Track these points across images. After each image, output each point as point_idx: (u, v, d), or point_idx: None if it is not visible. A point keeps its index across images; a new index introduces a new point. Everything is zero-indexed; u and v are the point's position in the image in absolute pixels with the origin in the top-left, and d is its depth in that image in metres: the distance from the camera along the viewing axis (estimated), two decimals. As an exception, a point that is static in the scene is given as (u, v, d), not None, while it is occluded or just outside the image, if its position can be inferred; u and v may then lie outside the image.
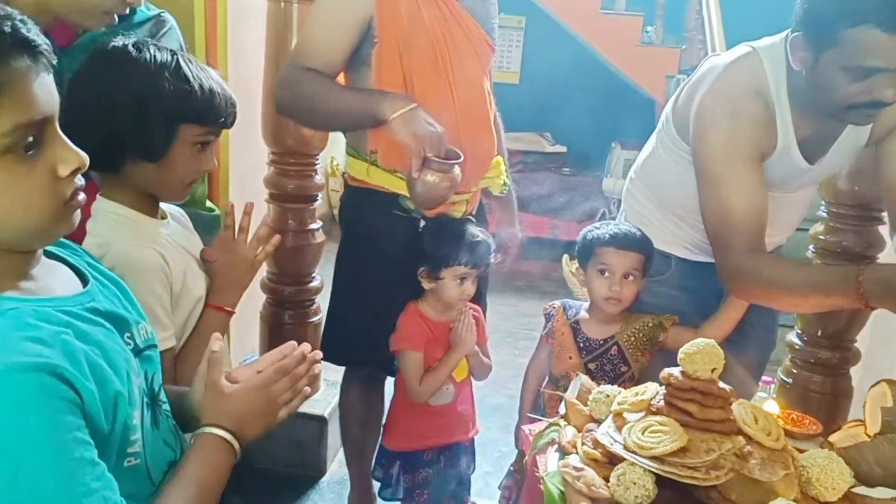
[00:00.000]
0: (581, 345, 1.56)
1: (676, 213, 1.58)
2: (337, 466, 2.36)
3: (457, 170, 1.46)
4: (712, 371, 1.00)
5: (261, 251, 1.26)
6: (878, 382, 1.15)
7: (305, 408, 1.02)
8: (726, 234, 1.35)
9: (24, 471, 0.63)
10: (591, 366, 1.54)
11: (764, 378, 1.78)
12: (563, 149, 5.46)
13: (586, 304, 1.62)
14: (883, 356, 2.05)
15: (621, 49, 4.44)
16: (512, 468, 1.71)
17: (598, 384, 1.21)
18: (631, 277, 1.50)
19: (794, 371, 1.94)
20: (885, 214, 1.73)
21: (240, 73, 2.23)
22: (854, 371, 1.92)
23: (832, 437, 1.16)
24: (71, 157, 0.73)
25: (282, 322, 2.18)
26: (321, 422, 2.26)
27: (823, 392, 1.88)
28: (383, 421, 1.86)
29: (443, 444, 1.77)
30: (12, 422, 0.63)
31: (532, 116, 5.03)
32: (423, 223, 1.60)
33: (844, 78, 1.23)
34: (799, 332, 1.93)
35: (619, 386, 1.17)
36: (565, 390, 1.29)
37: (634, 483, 0.94)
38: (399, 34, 1.52)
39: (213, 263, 1.20)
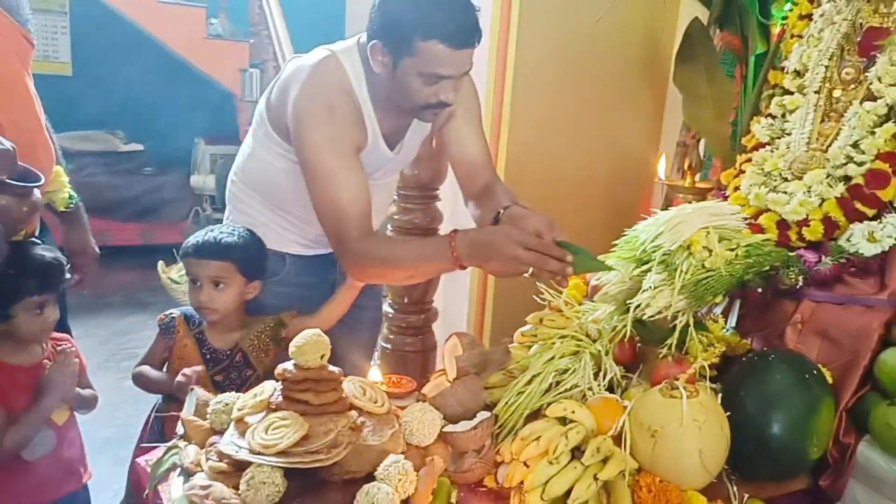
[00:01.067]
0: (207, 356, 1.52)
1: (287, 211, 1.62)
2: None
3: (37, 192, 1.26)
4: (321, 357, 1.07)
5: None
6: (450, 336, 1.38)
7: None
8: (340, 225, 1.43)
9: None
10: (218, 378, 1.51)
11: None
12: (140, 147, 5.08)
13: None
14: (455, 313, 2.45)
15: (188, 41, 4.30)
16: None
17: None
18: (222, 285, 1.50)
19: (391, 337, 2.18)
20: (439, 192, 2.07)
21: None
22: (435, 327, 2.26)
23: (425, 389, 1.35)
24: None
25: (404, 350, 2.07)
26: None
27: (416, 350, 2.16)
28: None
29: (50, 500, 1.53)
30: None
31: (97, 113, 4.56)
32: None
33: (419, 82, 1.39)
34: (390, 301, 2.18)
35: (244, 391, 1.17)
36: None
37: (264, 483, 0.96)
38: None
39: None
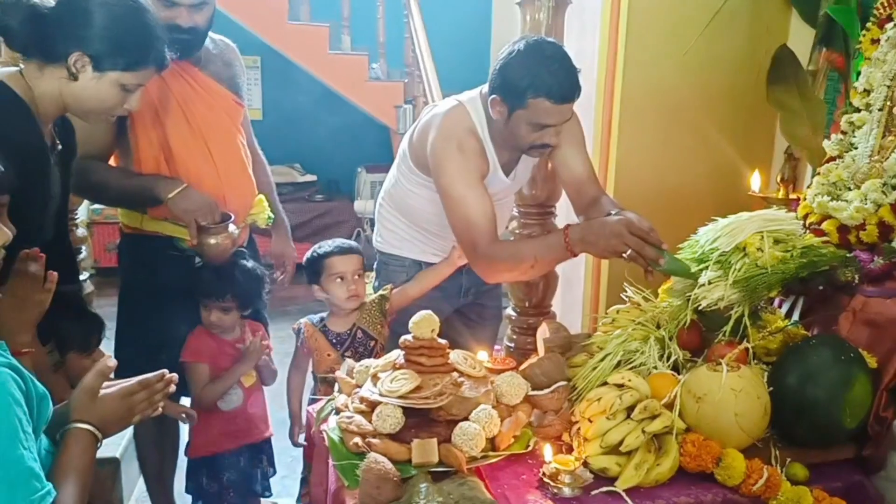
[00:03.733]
0: (333, 341, 1.92)
1: (424, 228, 1.99)
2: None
3: (231, 227, 1.78)
4: (432, 331, 1.44)
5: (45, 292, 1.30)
6: (542, 322, 1.70)
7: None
8: (472, 236, 1.73)
9: None
10: (348, 354, 1.89)
11: (495, 348, 2.32)
12: (314, 178, 5.87)
13: (324, 313, 1.98)
14: (571, 317, 2.72)
15: (352, 84, 4.92)
16: (303, 475, 1.98)
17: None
18: (357, 276, 1.91)
19: (514, 337, 2.50)
20: (555, 208, 2.38)
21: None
22: (552, 328, 2.55)
23: (521, 368, 1.68)
24: (3, 233, 0.99)
25: (525, 348, 2.22)
26: (114, 463, 2.34)
27: (535, 348, 2.46)
28: (179, 443, 2.07)
29: (238, 445, 2.01)
30: None
31: (280, 149, 5.34)
32: (198, 260, 1.88)
33: (528, 129, 1.69)
34: (513, 305, 2.51)
35: (372, 357, 1.57)
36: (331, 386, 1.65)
37: (389, 416, 1.35)
38: (149, 110, 1.78)
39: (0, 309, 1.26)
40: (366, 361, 1.58)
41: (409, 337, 1.46)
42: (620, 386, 1.42)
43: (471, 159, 1.76)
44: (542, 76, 1.62)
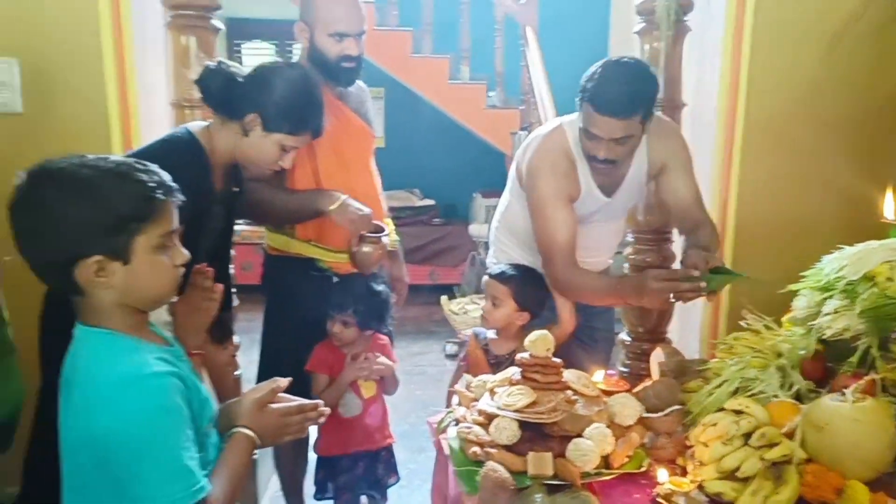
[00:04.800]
0: (491, 361, 1.94)
1: (536, 249, 2.06)
2: (268, 502, 2.68)
3: (385, 239, 1.94)
4: (547, 350, 1.51)
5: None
6: (656, 346, 1.72)
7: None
8: (551, 253, 1.87)
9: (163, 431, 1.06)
10: None
11: (608, 372, 2.34)
12: (432, 202, 6.08)
13: (493, 331, 2.01)
14: (688, 341, 2.68)
15: (470, 113, 5.09)
16: None
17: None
18: (496, 303, 1.93)
19: (628, 361, 2.51)
20: (672, 234, 2.38)
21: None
22: (668, 355, 2.53)
23: (635, 390, 1.70)
24: (182, 254, 1.16)
25: (640, 372, 2.28)
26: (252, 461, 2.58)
27: (649, 374, 2.47)
28: (308, 443, 2.24)
29: (356, 451, 2.14)
30: (160, 406, 1.06)
31: (401, 175, 5.60)
32: (335, 279, 2.05)
33: (583, 135, 1.79)
34: (628, 330, 2.52)
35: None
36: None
37: (505, 428, 1.43)
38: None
39: (177, 315, 1.40)
40: (483, 377, 1.66)
41: (525, 355, 1.53)
42: (738, 412, 1.43)
43: (561, 181, 1.87)
44: (595, 85, 1.72)
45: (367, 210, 1.96)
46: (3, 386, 1.38)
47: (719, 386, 1.55)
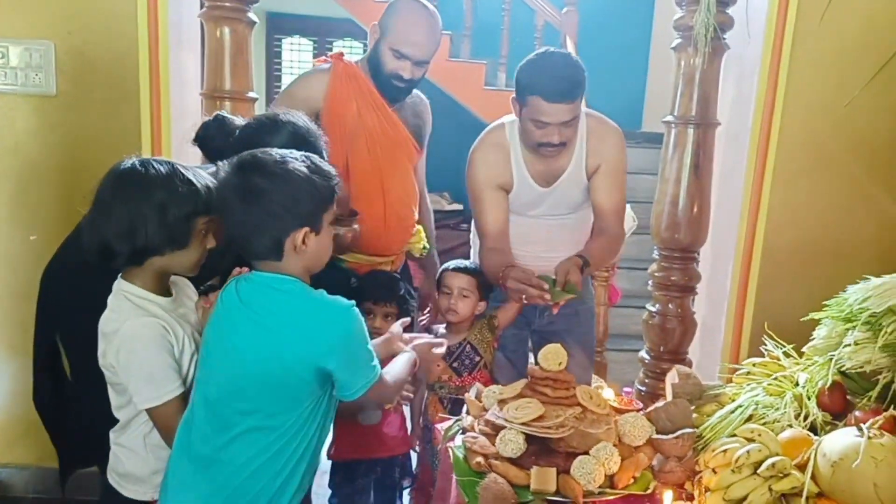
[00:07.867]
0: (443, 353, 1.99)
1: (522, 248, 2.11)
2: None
3: (355, 225, 1.95)
4: (559, 364, 1.50)
5: None
6: (672, 368, 1.69)
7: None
8: (480, 236, 2.05)
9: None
10: (455, 364, 2.02)
11: (625, 389, 2.30)
12: (460, 206, 6.08)
13: (443, 325, 2.12)
14: (709, 364, 2.63)
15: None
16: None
17: (462, 377, 1.89)
18: (464, 295, 2.01)
19: (646, 381, 2.47)
20: (698, 254, 2.35)
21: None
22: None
23: (646, 410, 1.67)
24: (334, 228, 1.40)
25: (657, 392, 2.27)
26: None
27: (665, 394, 2.43)
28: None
29: (371, 457, 2.13)
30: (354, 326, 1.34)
31: (432, 178, 5.56)
32: (353, 280, 2.06)
33: (531, 126, 1.88)
34: (647, 349, 2.48)
35: (477, 373, 1.79)
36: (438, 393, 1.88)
37: (511, 440, 1.42)
38: (344, 128, 2.03)
39: None
40: (493, 388, 1.66)
41: (536, 367, 1.52)
42: (750, 440, 1.40)
43: (492, 169, 2.02)
44: (538, 77, 1.84)
45: (343, 192, 1.98)
46: None
47: (733, 411, 1.52)
